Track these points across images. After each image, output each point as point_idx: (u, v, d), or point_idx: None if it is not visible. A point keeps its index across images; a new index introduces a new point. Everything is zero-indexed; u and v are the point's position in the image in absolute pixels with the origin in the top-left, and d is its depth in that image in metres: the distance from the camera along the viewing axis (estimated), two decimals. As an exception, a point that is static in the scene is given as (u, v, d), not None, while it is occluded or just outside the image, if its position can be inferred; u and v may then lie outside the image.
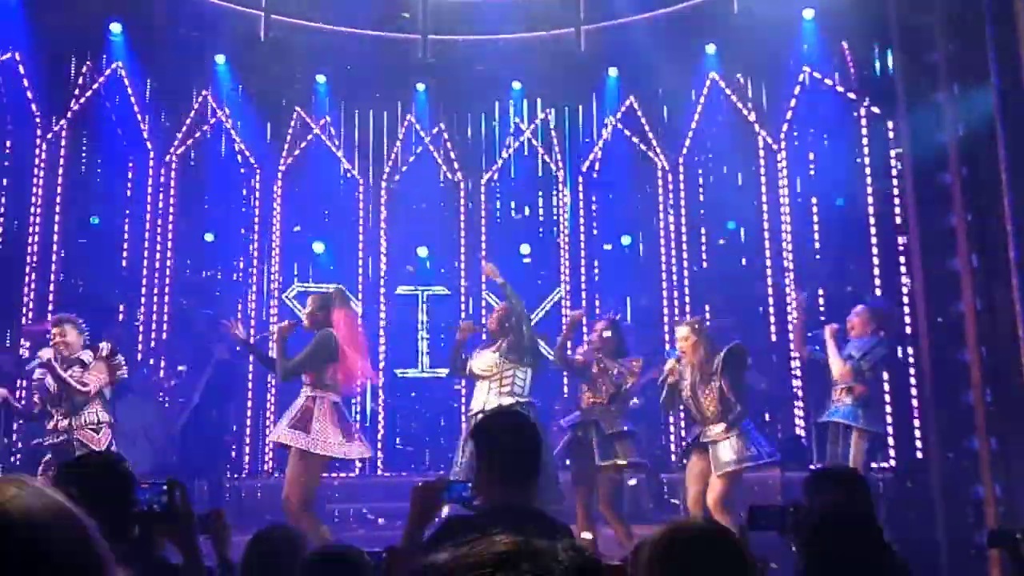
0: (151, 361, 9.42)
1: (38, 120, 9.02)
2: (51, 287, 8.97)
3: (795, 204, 9.63)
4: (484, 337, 6.91)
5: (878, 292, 8.46)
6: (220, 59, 9.93)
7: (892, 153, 8.59)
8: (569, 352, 7.35)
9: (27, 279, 8.82)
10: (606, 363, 6.74)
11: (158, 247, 9.75)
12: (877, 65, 8.85)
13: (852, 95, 9.18)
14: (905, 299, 8.19)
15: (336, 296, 6.57)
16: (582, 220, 10.73)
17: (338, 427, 6.24)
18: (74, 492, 2.43)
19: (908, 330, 8.17)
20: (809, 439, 7.86)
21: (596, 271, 10.73)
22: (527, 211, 11.08)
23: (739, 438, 6.38)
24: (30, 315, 8.66)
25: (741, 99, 10.01)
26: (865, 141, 9.04)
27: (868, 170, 8.99)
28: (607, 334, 6.84)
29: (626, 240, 10.66)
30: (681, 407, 6.71)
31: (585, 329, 7.92)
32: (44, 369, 6.24)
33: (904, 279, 8.25)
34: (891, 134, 8.62)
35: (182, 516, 2.61)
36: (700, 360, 6.45)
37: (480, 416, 6.32)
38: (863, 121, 9.08)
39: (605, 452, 6.51)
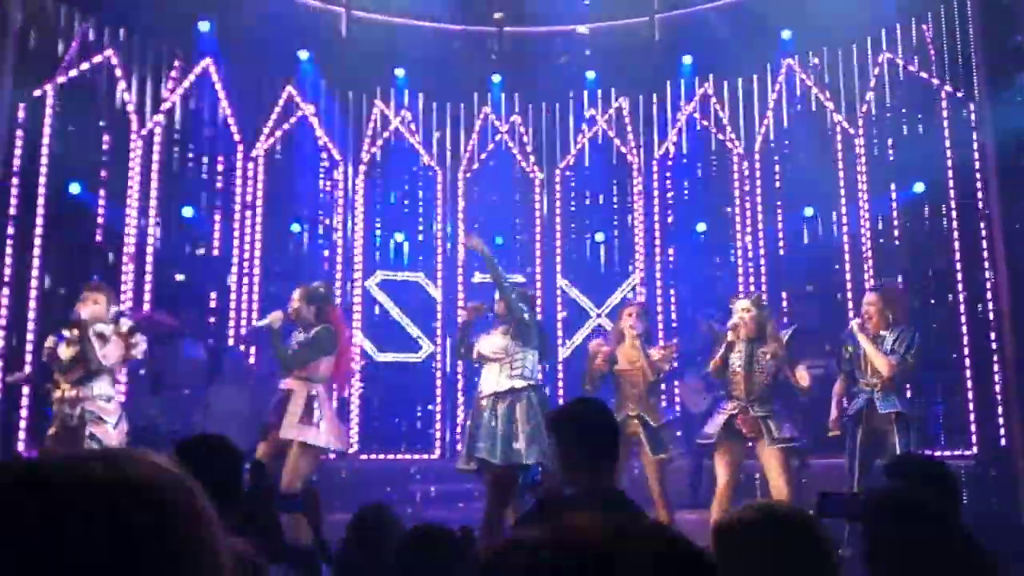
0: (241, 347, 9.77)
1: (132, 118, 9.40)
2: (147, 278, 9.35)
3: (873, 190, 9.53)
4: (490, 316, 6.73)
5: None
6: (303, 55, 10.24)
7: (974, 137, 8.45)
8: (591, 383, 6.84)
9: (123, 270, 9.19)
10: (637, 352, 6.55)
11: (247, 237, 10.11)
12: (958, 47, 8.69)
13: (933, 79, 9.04)
14: (988, 286, 8.09)
15: (330, 292, 6.74)
16: (656, 208, 10.77)
17: (334, 418, 6.57)
18: (190, 470, 2.64)
19: (991, 317, 8.07)
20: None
21: (671, 258, 10.77)
22: (601, 199, 11.16)
23: (787, 417, 6.42)
24: (128, 306, 9.05)
25: (818, 84, 9.94)
26: (946, 125, 8.90)
27: (949, 155, 8.85)
28: (639, 321, 6.67)
29: (701, 227, 10.67)
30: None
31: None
32: (56, 338, 6.22)
33: (987, 265, 8.13)
34: (973, 117, 8.48)
35: (264, 496, 2.78)
36: (755, 335, 6.40)
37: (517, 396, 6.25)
38: (944, 104, 8.94)
39: (658, 445, 6.49)
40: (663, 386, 6.94)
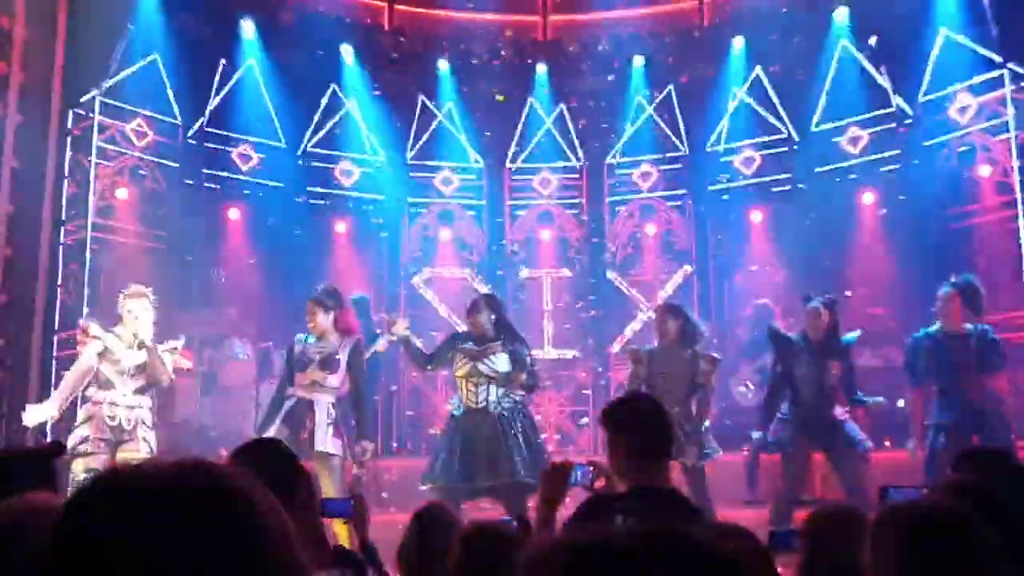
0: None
1: (179, 120, 9.43)
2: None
3: (937, 173, 9.20)
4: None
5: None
6: (347, 51, 10.19)
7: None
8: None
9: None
10: (674, 354, 6.26)
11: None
12: (1020, 21, 8.33)
13: (994, 55, 8.69)
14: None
15: (340, 296, 6.43)
16: (708, 196, 10.55)
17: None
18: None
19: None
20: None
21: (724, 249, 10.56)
22: (651, 189, 10.90)
23: (852, 418, 6.23)
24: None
25: (874, 65, 9.61)
26: (1009, 103, 8.55)
27: (1013, 135, 8.50)
28: (668, 326, 6.31)
29: (756, 217, 10.40)
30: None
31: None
32: (99, 337, 5.96)
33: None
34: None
35: (307, 500, 2.74)
36: (825, 339, 6.19)
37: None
38: (1007, 82, 8.59)
39: (710, 448, 6.28)
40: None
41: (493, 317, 6.23)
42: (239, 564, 0.82)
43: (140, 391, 6.02)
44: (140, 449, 5.88)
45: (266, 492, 0.89)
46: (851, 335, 6.41)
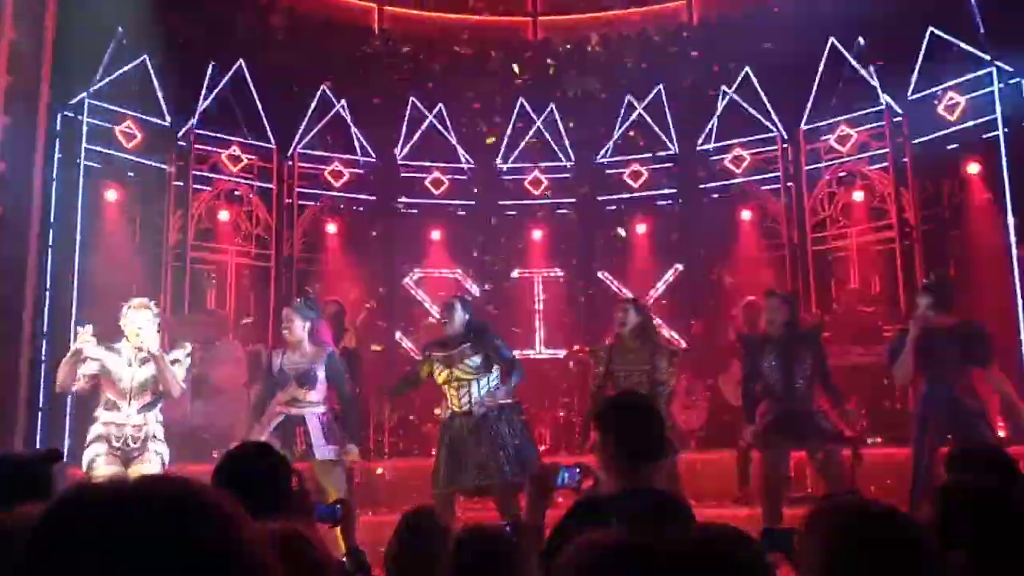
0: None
1: (168, 121, 9.39)
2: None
3: (923, 169, 9.22)
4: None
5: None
6: (337, 52, 10.17)
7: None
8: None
9: (166, 275, 9.21)
10: (635, 351, 6.22)
11: (285, 238, 10.11)
12: (1007, 18, 8.36)
13: (981, 53, 8.72)
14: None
15: (317, 306, 6.40)
16: (699, 196, 10.56)
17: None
18: (238, 476, 2.57)
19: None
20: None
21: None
22: (640, 188, 10.90)
23: (832, 411, 6.23)
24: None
25: (862, 63, 9.64)
26: (997, 100, 8.59)
27: (1002, 131, 8.54)
28: (629, 318, 6.28)
29: (746, 215, 10.41)
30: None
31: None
32: (96, 358, 5.72)
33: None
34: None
35: (299, 501, 2.73)
36: (785, 331, 6.19)
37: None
38: (994, 79, 8.63)
39: (683, 441, 6.27)
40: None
41: (466, 318, 6.22)
42: (205, 569, 0.83)
43: (147, 407, 5.82)
44: (152, 462, 5.72)
45: (233, 502, 0.89)
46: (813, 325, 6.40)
